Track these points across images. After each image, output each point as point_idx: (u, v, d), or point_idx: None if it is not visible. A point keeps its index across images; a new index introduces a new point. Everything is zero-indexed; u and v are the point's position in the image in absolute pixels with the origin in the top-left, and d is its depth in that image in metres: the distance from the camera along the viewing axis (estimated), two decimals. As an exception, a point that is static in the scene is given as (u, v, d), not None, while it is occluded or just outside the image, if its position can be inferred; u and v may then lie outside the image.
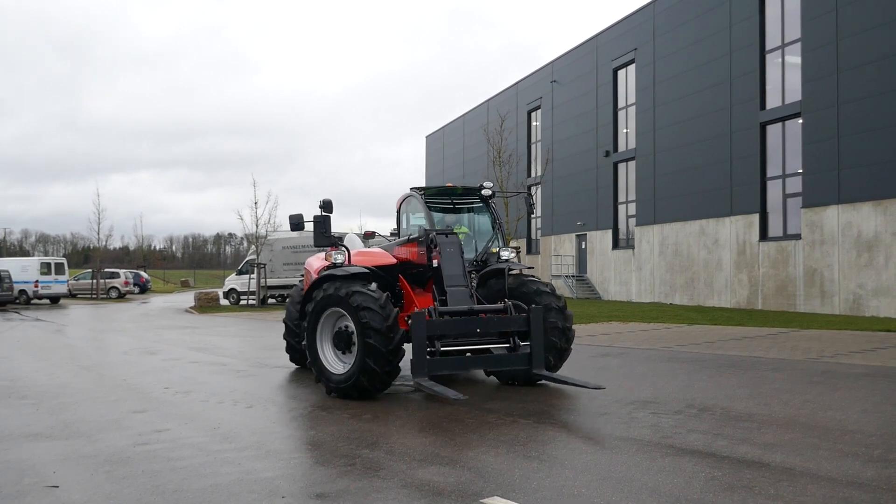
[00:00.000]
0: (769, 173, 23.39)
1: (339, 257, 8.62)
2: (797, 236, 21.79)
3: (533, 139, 39.37)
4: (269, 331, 18.56)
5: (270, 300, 33.47)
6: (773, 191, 23.23)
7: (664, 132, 28.09)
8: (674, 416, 6.62)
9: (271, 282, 32.33)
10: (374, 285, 7.89)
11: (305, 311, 8.27)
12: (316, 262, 10.04)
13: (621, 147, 31.55)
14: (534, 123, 39.37)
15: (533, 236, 39.50)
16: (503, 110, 37.90)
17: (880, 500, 4.12)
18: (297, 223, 9.11)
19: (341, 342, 7.97)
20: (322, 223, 8.54)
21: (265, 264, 31.77)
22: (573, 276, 33.78)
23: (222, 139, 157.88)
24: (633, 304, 27.57)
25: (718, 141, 25.18)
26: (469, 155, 45.84)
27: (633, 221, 30.42)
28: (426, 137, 54.36)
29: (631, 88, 30.70)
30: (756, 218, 23.47)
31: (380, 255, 9.28)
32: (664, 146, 28.09)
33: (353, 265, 8.67)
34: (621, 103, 31.63)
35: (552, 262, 36.05)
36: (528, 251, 38.98)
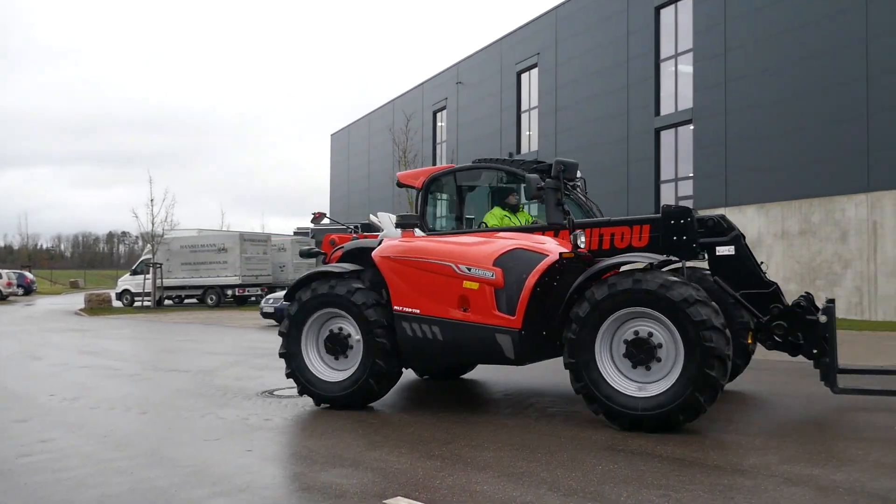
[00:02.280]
0: (663, 177, 24.40)
1: (583, 239, 6.61)
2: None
3: (438, 139, 39.60)
4: (166, 333, 17.93)
5: (167, 301, 32.32)
6: (667, 193, 24.25)
7: (566, 135, 28.83)
8: (571, 410, 6.80)
9: (168, 282, 31.21)
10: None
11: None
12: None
13: (524, 149, 32.17)
14: (439, 124, 39.61)
15: (438, 236, 39.70)
16: (409, 110, 37.93)
17: (762, 486, 4.37)
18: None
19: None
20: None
21: (161, 264, 30.64)
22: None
23: (127, 135, 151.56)
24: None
25: (616, 145, 26.07)
26: (374, 154, 45.67)
27: (535, 222, 31.02)
28: (331, 136, 53.81)
29: (534, 92, 31.35)
30: (651, 220, 24.41)
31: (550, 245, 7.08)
32: (565, 149, 28.81)
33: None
34: (524, 106, 32.26)
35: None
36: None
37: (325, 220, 10.02)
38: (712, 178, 21.79)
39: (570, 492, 4.34)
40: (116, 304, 32.21)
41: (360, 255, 7.44)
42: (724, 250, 6.98)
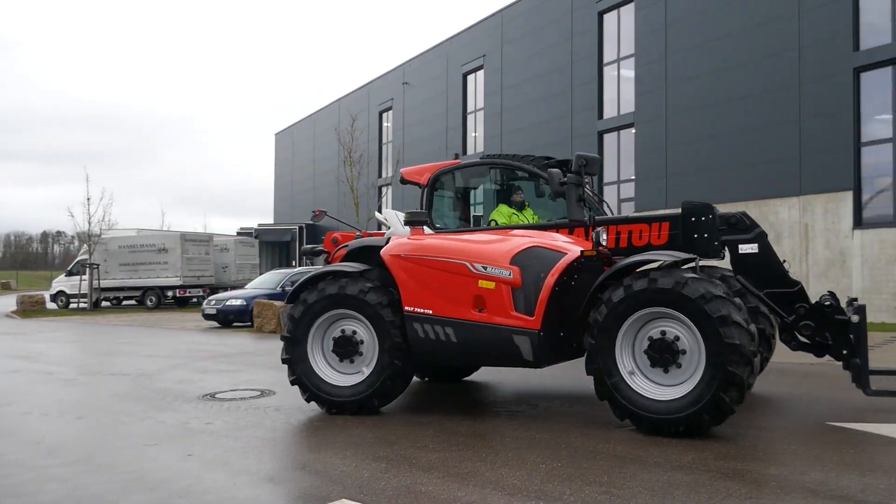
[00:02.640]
0: (606, 179, 24.80)
1: (605, 236, 6.37)
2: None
3: (384, 140, 39.49)
4: (103, 336, 17.44)
5: (105, 303, 31.45)
6: (610, 195, 24.65)
7: (511, 136, 29.08)
8: (517, 410, 6.86)
9: (106, 283, 30.37)
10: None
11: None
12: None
13: (470, 150, 32.32)
14: (385, 124, 39.50)
15: (384, 237, 39.61)
16: (354, 110, 37.72)
17: (699, 481, 4.48)
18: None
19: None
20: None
21: (98, 265, 29.78)
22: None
23: (63, 133, 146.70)
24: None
25: (561, 147, 26.37)
26: (320, 154, 45.28)
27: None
28: (275, 135, 53.14)
29: (480, 93, 31.54)
30: (594, 221, 24.81)
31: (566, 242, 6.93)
32: (511, 150, 28.95)
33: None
34: (470, 107, 32.42)
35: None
36: (379, 252, 38.96)
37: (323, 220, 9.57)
38: (653, 181, 22.27)
39: (515, 490, 4.38)
40: (51, 305, 31.20)
41: (366, 254, 7.19)
42: (748, 248, 6.64)
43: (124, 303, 32.14)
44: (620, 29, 24.35)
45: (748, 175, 19.37)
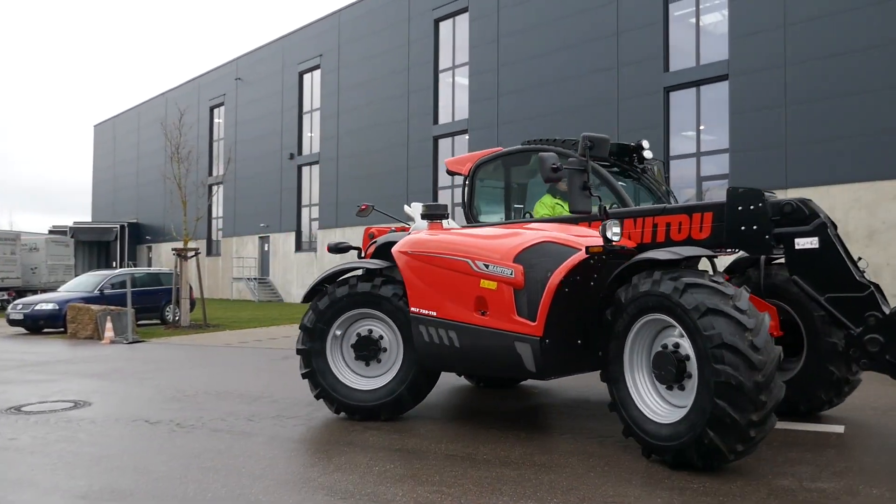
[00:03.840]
0: (441, 183, 25.34)
1: (616, 230, 5.37)
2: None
3: (215, 137, 38.02)
4: None
5: None
6: (443, 200, 25.21)
7: (348, 138, 28.96)
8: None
9: None
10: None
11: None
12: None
13: (306, 150, 31.86)
14: (217, 120, 38.04)
15: (214, 237, 38.12)
16: (183, 104, 35.94)
17: (525, 475, 4.69)
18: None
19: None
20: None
21: None
22: (255, 279, 33.26)
23: None
24: (315, 306, 27.90)
25: (397, 150, 26.65)
26: (145, 149, 42.80)
27: (316, 224, 30.86)
28: (94, 127, 49.64)
29: (316, 93, 31.15)
30: (429, 224, 25.29)
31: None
32: (347, 152, 28.94)
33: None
34: (307, 107, 31.95)
35: (234, 264, 35.12)
36: (209, 253, 37.52)
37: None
38: (486, 186, 23.03)
39: (347, 494, 4.37)
40: None
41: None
42: (805, 243, 5.48)
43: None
44: (455, 38, 25.01)
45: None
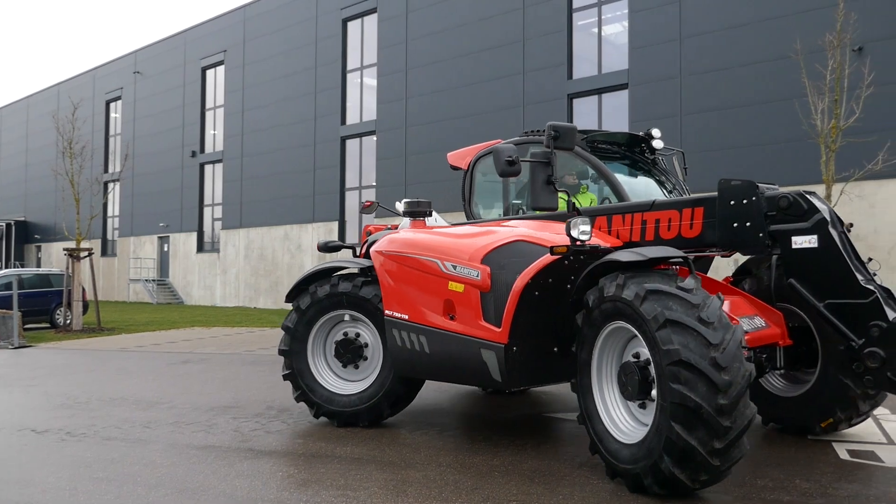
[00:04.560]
0: (348, 184, 25.16)
1: (585, 228, 4.75)
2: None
3: (112, 132, 36.45)
4: None
5: None
6: (351, 201, 25.05)
7: (253, 137, 28.33)
8: (254, 420, 6.70)
9: None
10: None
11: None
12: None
13: (209, 148, 30.97)
14: (113, 115, 36.48)
15: (109, 237, 36.53)
16: (77, 97, 34.30)
17: (430, 476, 4.71)
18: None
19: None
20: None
21: None
22: (154, 280, 32.08)
23: None
24: (217, 308, 27.20)
25: (304, 150, 26.27)
26: (34, 142, 40.57)
27: (219, 224, 30.06)
28: (-23, 118, 46.60)
29: (220, 89, 30.34)
30: (336, 225, 25.05)
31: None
32: (252, 150, 28.32)
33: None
34: (209, 104, 31.07)
35: (131, 265, 33.76)
36: (104, 253, 35.92)
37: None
38: (393, 188, 23.00)
39: (250, 501, 4.27)
40: None
41: None
42: (803, 241, 4.88)
43: None
44: (364, 38, 24.89)
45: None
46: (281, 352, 6.54)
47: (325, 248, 7.73)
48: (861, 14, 13.98)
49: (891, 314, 4.49)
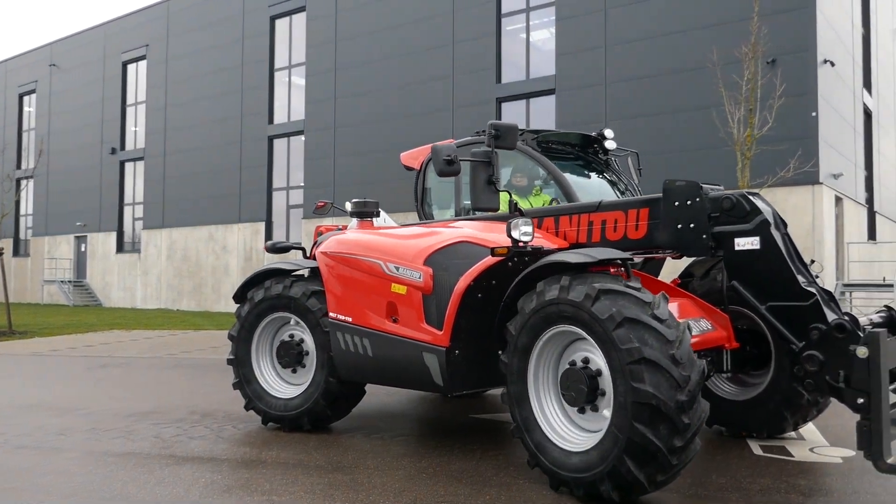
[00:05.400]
0: (275, 184, 24.79)
1: (526, 229, 4.70)
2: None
3: (26, 126, 34.92)
4: None
5: None
6: (279, 201, 24.68)
7: (176, 134, 27.60)
8: (176, 425, 6.54)
9: None
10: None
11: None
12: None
13: (129, 146, 30.02)
14: (27, 109, 34.97)
15: (22, 236, 34.97)
16: (-14, 89, 32.83)
17: (357, 480, 4.70)
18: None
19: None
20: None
21: None
22: (71, 282, 30.87)
23: None
24: (138, 310, 26.38)
25: (229, 149, 25.75)
26: (-63, 136, 38.48)
27: (140, 224, 29.16)
28: None
29: (142, 85, 29.45)
30: (262, 226, 24.63)
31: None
32: (176, 148, 27.59)
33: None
34: (130, 99, 30.13)
35: (46, 266, 32.39)
36: (16, 253, 34.37)
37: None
38: (321, 189, 22.80)
39: (170, 509, 4.18)
40: None
41: None
42: (745, 243, 4.82)
43: None
44: (292, 36, 24.59)
45: (405, 187, 20.80)
46: (228, 361, 6.48)
47: (274, 249, 7.58)
48: (772, 28, 14.65)
49: (830, 317, 4.44)
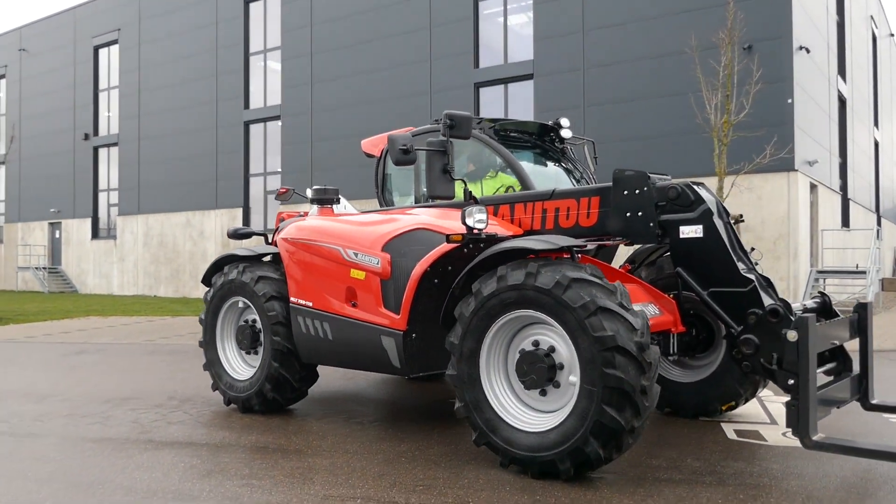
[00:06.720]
0: (252, 170, 24.59)
1: (481, 216, 4.87)
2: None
3: (-5, 111, 34.27)
4: None
5: None
6: (256, 187, 24.50)
7: (150, 119, 27.26)
8: (154, 410, 6.51)
9: None
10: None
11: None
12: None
13: (103, 131, 29.61)
14: (-3, 94, 34.29)
15: (-6, 223, 34.44)
16: (-45, 73, 32.16)
17: (337, 464, 4.72)
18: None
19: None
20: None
21: None
22: (45, 268, 30.47)
23: None
24: (114, 297, 26.12)
25: (205, 134, 25.48)
26: None
27: (115, 210, 28.82)
28: None
29: (115, 70, 29.00)
30: (240, 212, 24.45)
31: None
32: (150, 134, 27.26)
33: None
34: (103, 84, 29.67)
35: (19, 253, 31.94)
36: (-13, 240, 33.83)
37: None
38: (299, 174, 22.66)
39: (149, 494, 4.17)
40: None
41: None
42: (689, 231, 5.00)
43: None
44: (267, 20, 24.31)
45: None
46: (199, 343, 6.77)
47: (235, 234, 7.59)
48: (749, 14, 14.74)
49: (767, 302, 4.63)
